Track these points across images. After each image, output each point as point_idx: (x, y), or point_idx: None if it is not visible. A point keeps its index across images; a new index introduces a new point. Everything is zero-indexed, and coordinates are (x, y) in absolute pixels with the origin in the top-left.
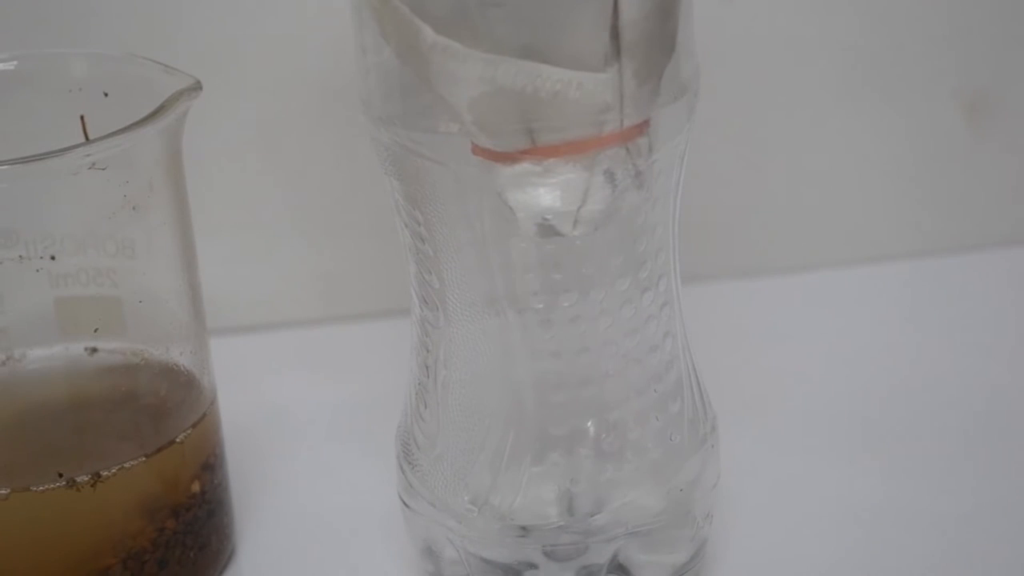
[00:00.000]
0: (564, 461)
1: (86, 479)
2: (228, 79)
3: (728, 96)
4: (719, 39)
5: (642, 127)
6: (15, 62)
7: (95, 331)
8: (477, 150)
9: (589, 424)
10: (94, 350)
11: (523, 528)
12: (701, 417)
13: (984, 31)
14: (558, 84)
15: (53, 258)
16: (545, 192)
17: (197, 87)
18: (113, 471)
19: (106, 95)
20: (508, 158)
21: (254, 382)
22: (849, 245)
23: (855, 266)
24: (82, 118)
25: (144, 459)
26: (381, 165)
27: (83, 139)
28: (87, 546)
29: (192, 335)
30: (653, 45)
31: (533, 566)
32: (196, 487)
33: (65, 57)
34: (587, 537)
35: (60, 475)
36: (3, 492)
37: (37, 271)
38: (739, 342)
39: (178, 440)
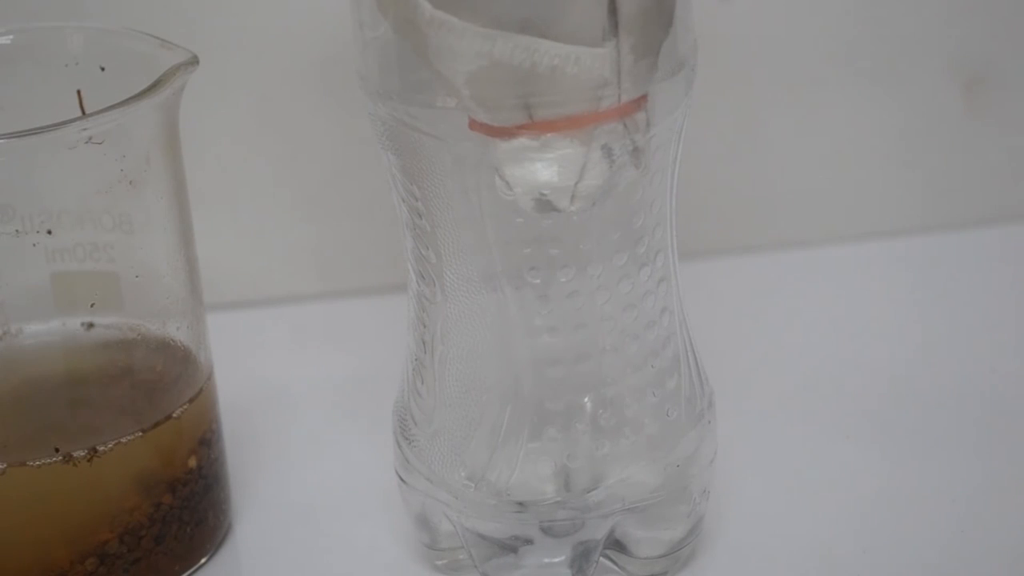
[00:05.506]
0: (561, 437)
1: (83, 454)
2: (225, 53)
3: (726, 72)
4: (716, 15)
5: (640, 102)
6: (11, 36)
7: (92, 306)
8: (474, 125)
9: (586, 400)
10: (91, 325)
11: (520, 504)
12: (698, 393)
13: (981, 9)
14: (556, 59)
15: (50, 232)
16: (542, 167)
17: (194, 61)
18: (110, 446)
19: (103, 69)
20: (505, 133)
21: (251, 358)
22: (847, 221)
23: (853, 242)
24: (79, 92)
25: (141, 434)
26: (378, 140)
27: (80, 113)
28: (84, 521)
29: (188, 310)
30: (651, 20)
31: (529, 541)
32: (193, 462)
33: (62, 31)
34: (584, 513)
35: (57, 450)
36: (0, 467)
37: (34, 245)
38: (736, 318)
39: (175, 415)
